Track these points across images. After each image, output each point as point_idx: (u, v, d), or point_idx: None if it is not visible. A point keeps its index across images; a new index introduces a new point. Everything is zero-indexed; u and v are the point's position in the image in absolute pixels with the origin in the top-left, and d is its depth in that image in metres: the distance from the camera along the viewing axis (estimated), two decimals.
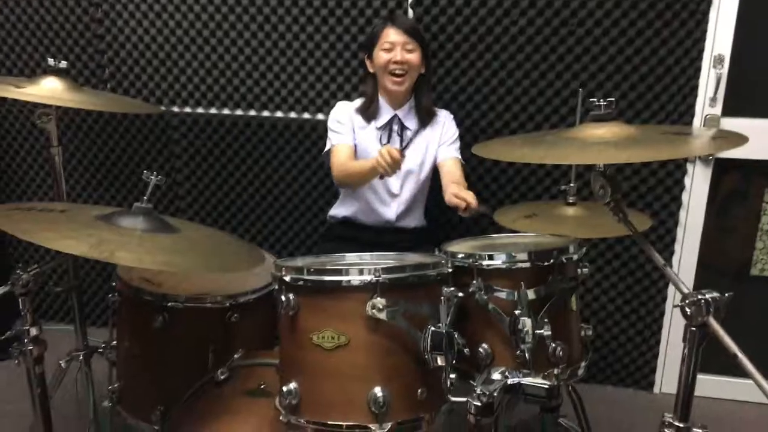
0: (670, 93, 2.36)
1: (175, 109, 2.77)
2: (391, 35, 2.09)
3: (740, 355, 0.98)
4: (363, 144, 2.20)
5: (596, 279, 2.61)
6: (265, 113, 2.71)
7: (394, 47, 2.09)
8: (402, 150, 1.81)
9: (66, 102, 1.76)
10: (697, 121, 2.38)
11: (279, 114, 2.70)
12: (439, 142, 2.23)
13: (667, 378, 2.67)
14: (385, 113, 2.20)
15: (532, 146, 1.20)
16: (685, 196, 2.47)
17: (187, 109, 2.77)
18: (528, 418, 2.01)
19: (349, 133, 2.19)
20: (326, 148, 2.24)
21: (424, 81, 2.21)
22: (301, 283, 1.28)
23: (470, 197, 1.83)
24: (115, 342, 1.87)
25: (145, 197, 1.51)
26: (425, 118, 2.21)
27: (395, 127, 2.20)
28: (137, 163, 2.89)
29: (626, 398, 2.65)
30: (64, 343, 2.11)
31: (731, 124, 2.36)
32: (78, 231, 1.32)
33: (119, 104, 2.11)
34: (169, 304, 1.67)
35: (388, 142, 2.19)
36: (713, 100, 2.35)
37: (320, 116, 2.64)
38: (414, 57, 2.11)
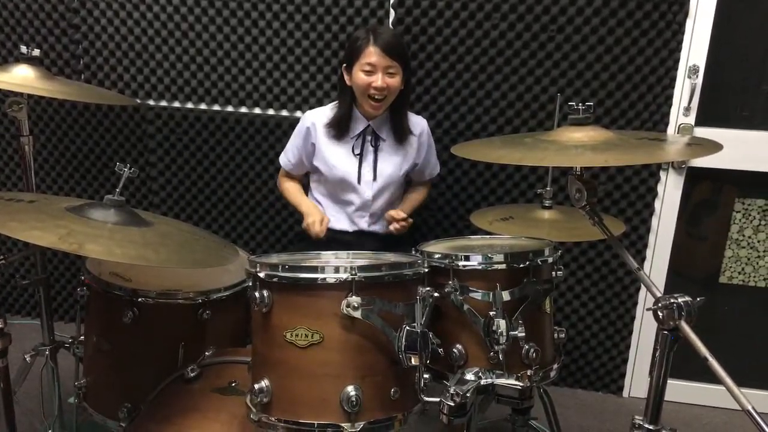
0: (645, 101, 2.39)
1: (151, 102, 2.73)
2: (373, 56, 2.00)
3: (711, 358, 0.99)
4: (334, 157, 2.18)
5: (569, 283, 2.63)
6: (243, 109, 2.68)
7: (375, 70, 2.01)
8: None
9: (38, 90, 1.72)
10: (671, 130, 2.42)
11: (257, 111, 2.68)
12: (414, 160, 2.24)
13: (636, 382, 2.70)
14: (359, 123, 2.16)
15: (511, 148, 1.21)
16: (657, 203, 2.51)
17: (163, 103, 2.73)
18: (499, 419, 2.02)
19: (297, 157, 2.26)
20: (281, 157, 2.34)
21: (402, 97, 2.15)
22: (275, 279, 1.26)
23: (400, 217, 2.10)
24: (82, 337, 1.83)
25: (117, 189, 1.48)
26: (401, 135, 2.19)
27: (369, 138, 2.17)
28: (110, 156, 2.83)
29: (596, 402, 2.68)
30: (29, 337, 2.06)
31: (704, 133, 2.40)
32: (46, 222, 1.28)
33: (93, 95, 2.06)
34: (140, 299, 1.64)
35: (362, 152, 2.16)
36: (687, 109, 2.39)
37: (298, 114, 2.63)
38: (395, 81, 2.05)
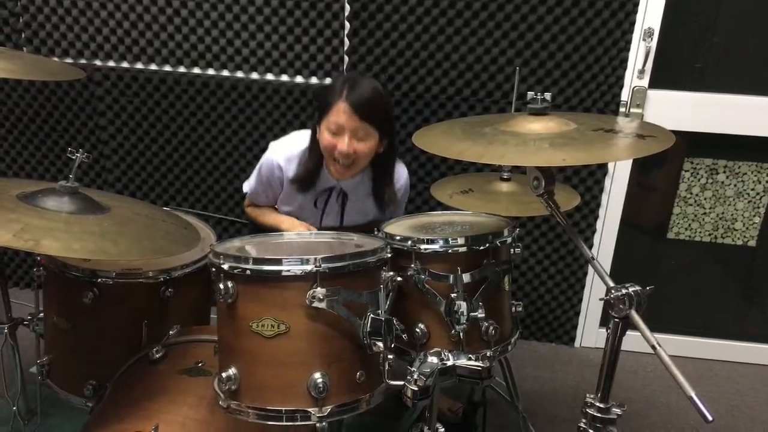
0: (601, 64, 2.41)
1: (98, 62, 2.61)
2: (342, 115, 1.73)
3: (659, 347, 1.06)
4: (296, 204, 2.00)
5: (525, 242, 2.70)
6: (196, 70, 2.59)
7: (342, 132, 1.75)
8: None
9: None
10: (625, 92, 2.45)
11: (210, 72, 2.59)
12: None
13: (587, 333, 2.83)
14: (327, 182, 1.94)
15: (471, 141, 1.22)
16: (610, 164, 2.57)
17: (111, 63, 2.61)
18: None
19: (269, 196, 2.03)
20: (246, 187, 2.09)
21: (382, 163, 1.89)
22: (239, 271, 1.27)
23: None
24: (41, 314, 1.81)
25: (71, 176, 1.44)
26: (381, 203, 1.96)
27: (334, 195, 1.98)
28: (62, 123, 2.72)
29: (549, 352, 2.81)
30: None
31: (656, 95, 2.46)
32: None
33: (39, 70, 1.92)
34: (99, 280, 1.62)
35: (325, 207, 1.99)
36: (641, 72, 2.42)
37: (254, 75, 2.56)
38: (365, 147, 1.77)
